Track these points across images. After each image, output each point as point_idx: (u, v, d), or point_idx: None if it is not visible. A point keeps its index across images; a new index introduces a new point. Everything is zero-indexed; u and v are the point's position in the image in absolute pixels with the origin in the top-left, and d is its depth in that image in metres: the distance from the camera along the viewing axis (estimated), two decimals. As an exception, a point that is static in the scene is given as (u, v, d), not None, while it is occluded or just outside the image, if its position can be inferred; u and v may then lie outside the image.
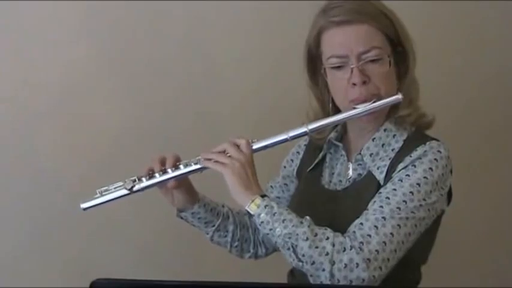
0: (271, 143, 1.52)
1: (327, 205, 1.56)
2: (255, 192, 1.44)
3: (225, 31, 2.29)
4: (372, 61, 1.49)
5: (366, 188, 1.51)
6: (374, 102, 1.49)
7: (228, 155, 1.48)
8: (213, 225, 1.69)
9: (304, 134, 1.53)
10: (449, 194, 1.55)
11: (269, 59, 2.28)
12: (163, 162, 1.56)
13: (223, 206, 1.72)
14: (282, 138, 1.51)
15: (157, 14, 2.25)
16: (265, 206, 1.41)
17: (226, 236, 1.72)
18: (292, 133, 1.51)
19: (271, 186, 1.80)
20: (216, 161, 1.48)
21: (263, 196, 1.44)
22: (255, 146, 1.51)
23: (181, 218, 1.69)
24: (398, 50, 1.54)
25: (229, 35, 2.29)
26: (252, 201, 1.42)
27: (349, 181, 1.58)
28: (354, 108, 1.50)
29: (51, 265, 2.25)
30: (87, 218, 2.09)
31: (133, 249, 2.29)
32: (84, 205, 1.55)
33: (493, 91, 2.35)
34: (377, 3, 1.55)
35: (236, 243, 1.73)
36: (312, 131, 1.53)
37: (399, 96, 1.49)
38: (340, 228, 1.41)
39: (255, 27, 2.29)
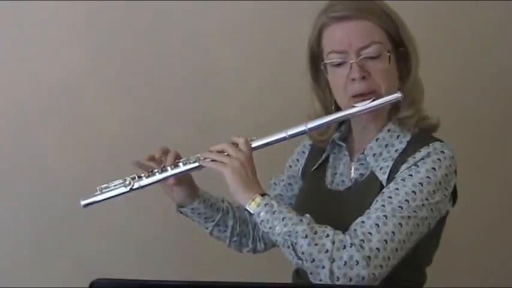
0: (270, 141, 1.52)
1: (330, 205, 1.56)
2: (255, 191, 1.44)
3: (226, 31, 2.28)
4: (372, 58, 1.49)
5: (369, 188, 1.51)
6: (373, 100, 1.49)
7: (227, 154, 1.48)
8: (213, 221, 1.70)
9: (303, 132, 1.53)
10: (454, 195, 1.55)
11: (271, 60, 2.28)
12: (165, 152, 1.58)
13: (223, 201, 1.72)
14: (280, 137, 1.52)
15: (158, 14, 2.25)
16: (265, 205, 1.42)
17: (225, 231, 1.72)
18: (290, 131, 1.52)
19: (275, 183, 1.80)
20: (216, 161, 1.48)
21: (263, 195, 1.44)
22: (253, 145, 1.51)
23: (181, 212, 1.69)
24: (400, 50, 1.54)
25: (230, 35, 2.29)
26: (253, 200, 1.43)
27: (351, 181, 1.58)
28: (353, 106, 1.50)
29: (51, 265, 2.25)
30: (87, 218, 2.10)
31: (134, 249, 2.29)
32: (84, 202, 1.57)
33: (495, 91, 2.35)
34: (379, 2, 1.55)
35: (235, 238, 1.74)
36: (311, 129, 1.53)
37: (399, 94, 1.49)
38: (343, 228, 1.41)
39: (256, 28, 2.28)
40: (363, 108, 1.49)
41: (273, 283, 1.26)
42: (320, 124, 1.54)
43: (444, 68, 2.30)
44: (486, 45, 2.34)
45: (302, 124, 1.52)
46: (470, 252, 2.36)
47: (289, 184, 1.77)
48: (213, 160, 1.49)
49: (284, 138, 1.52)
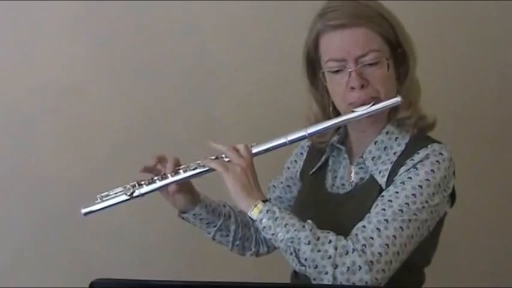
0: (270, 147, 1.52)
1: (330, 208, 1.56)
2: (256, 197, 1.44)
3: (226, 31, 2.29)
4: (370, 64, 1.48)
5: (368, 192, 1.51)
6: (373, 105, 1.49)
7: (228, 160, 1.48)
8: (215, 226, 1.69)
9: (303, 137, 1.53)
10: (453, 196, 1.55)
11: (271, 60, 2.28)
12: (161, 160, 1.57)
13: (224, 206, 1.72)
14: (280, 142, 1.52)
15: (158, 13, 2.25)
16: (267, 211, 1.42)
17: (228, 236, 1.72)
18: (291, 137, 1.52)
19: (274, 186, 1.79)
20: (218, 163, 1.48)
21: (265, 201, 1.44)
22: (253, 151, 1.51)
23: (183, 218, 1.69)
24: (398, 51, 1.54)
25: (230, 36, 2.29)
26: (255, 206, 1.43)
27: (351, 185, 1.58)
28: (353, 111, 1.50)
29: (51, 265, 2.25)
30: (87, 218, 2.10)
31: (134, 249, 2.29)
32: (84, 210, 1.57)
33: (494, 91, 2.35)
34: (375, 4, 1.54)
35: (238, 242, 1.74)
36: (311, 134, 1.53)
37: (398, 98, 1.49)
38: (343, 231, 1.41)
39: (256, 29, 2.29)
40: (362, 113, 1.49)
41: (272, 283, 1.26)
42: (320, 129, 1.53)
43: (443, 68, 2.30)
44: (485, 45, 2.34)
45: (302, 129, 1.52)
46: (469, 252, 2.36)
47: (288, 186, 1.77)
48: (215, 162, 1.49)
49: (284, 144, 1.52)
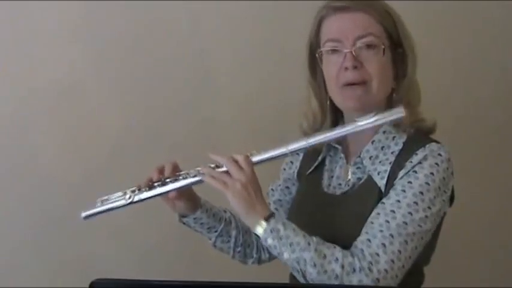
0: (270, 157, 1.50)
1: (327, 209, 1.56)
2: (260, 214, 1.42)
3: (226, 31, 2.28)
4: (367, 47, 1.49)
5: (367, 193, 1.51)
6: (375, 115, 1.46)
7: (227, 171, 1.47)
8: (216, 231, 1.69)
9: (304, 147, 1.51)
10: (452, 196, 1.55)
11: (270, 62, 2.28)
12: (162, 171, 1.57)
13: (225, 211, 1.71)
14: (281, 152, 1.50)
15: (158, 14, 2.25)
16: (271, 231, 1.41)
17: (229, 241, 1.71)
18: (291, 146, 1.49)
19: (272, 189, 1.79)
20: (218, 179, 1.46)
21: (268, 218, 1.42)
22: (253, 159, 1.48)
23: (183, 223, 1.69)
24: (398, 50, 1.54)
25: (230, 36, 2.29)
26: (258, 224, 1.42)
27: (348, 185, 1.57)
28: (355, 121, 1.48)
29: (51, 265, 2.25)
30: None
31: (134, 249, 2.29)
32: (84, 213, 1.57)
33: (494, 92, 2.35)
34: (382, 2, 1.56)
35: (239, 249, 1.73)
36: (312, 144, 1.51)
37: (402, 112, 1.45)
38: (340, 232, 1.42)
39: (256, 29, 2.29)
40: (365, 123, 1.47)
41: (272, 283, 1.26)
42: (321, 139, 1.51)
43: (444, 68, 2.30)
44: (486, 46, 2.34)
45: (303, 139, 1.50)
46: (469, 252, 2.36)
47: (287, 187, 1.76)
48: (215, 178, 1.47)
49: (285, 154, 1.50)
